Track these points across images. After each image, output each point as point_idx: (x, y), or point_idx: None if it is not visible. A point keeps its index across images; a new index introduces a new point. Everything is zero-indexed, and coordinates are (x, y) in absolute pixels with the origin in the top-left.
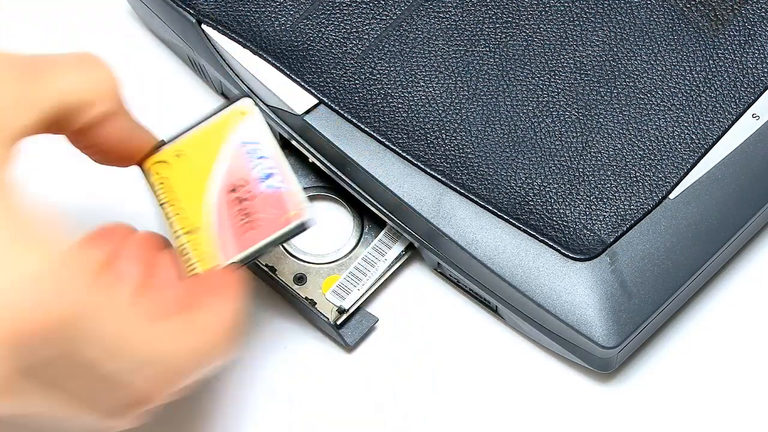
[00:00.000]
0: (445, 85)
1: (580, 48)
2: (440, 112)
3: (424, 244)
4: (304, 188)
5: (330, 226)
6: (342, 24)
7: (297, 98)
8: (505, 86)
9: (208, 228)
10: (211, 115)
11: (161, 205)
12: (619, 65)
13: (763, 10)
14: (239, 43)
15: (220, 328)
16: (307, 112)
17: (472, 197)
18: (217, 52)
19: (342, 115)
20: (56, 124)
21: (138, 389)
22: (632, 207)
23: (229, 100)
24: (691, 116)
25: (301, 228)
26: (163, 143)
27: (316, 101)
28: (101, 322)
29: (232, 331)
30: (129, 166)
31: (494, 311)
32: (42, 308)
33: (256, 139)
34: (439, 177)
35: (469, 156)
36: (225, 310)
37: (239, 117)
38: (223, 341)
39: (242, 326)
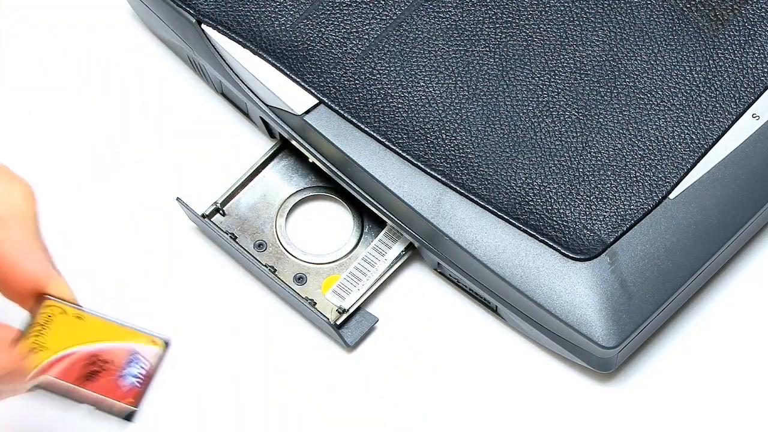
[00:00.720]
0: (445, 85)
1: (580, 48)
2: (440, 112)
3: (424, 244)
4: (304, 188)
5: (330, 226)
6: (342, 24)
7: (297, 98)
8: (505, 86)
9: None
10: (129, 326)
11: (31, 325)
12: (619, 65)
13: (763, 10)
14: (239, 43)
15: None
16: (307, 112)
17: (472, 197)
18: (217, 52)
19: (342, 115)
20: None
21: None
22: (632, 207)
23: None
24: (691, 116)
25: (126, 414)
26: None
27: (316, 101)
28: None
29: None
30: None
31: (494, 311)
32: None
33: (149, 364)
34: (439, 177)
35: (469, 156)
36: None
37: (152, 342)
38: None
39: None
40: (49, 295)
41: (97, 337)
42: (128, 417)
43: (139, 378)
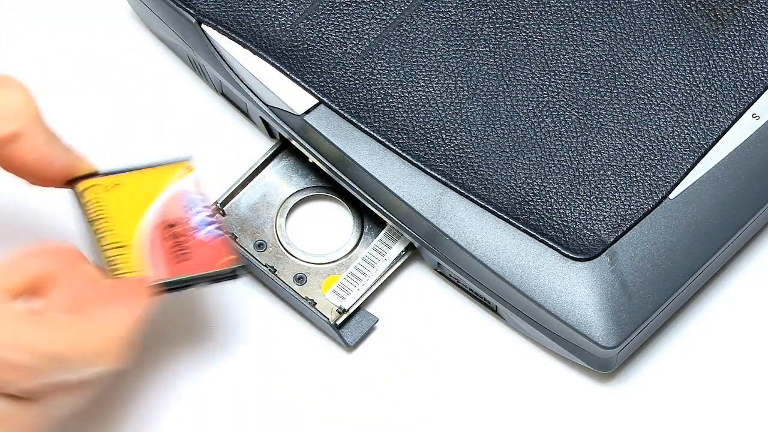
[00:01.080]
0: (445, 85)
1: (580, 48)
2: (440, 112)
3: (424, 244)
4: (304, 188)
5: (330, 226)
6: (342, 24)
7: (297, 98)
8: (505, 86)
9: (139, 249)
10: (153, 165)
11: (90, 221)
12: (619, 65)
13: (763, 10)
14: (239, 43)
15: (114, 332)
16: (307, 112)
17: (472, 197)
18: (217, 52)
19: (342, 115)
20: None
21: (13, 363)
22: (632, 207)
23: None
24: (691, 116)
25: (231, 275)
26: (96, 174)
27: (316, 101)
28: None
29: (125, 338)
30: (58, 186)
31: (494, 311)
32: None
33: (197, 192)
34: (439, 177)
35: (469, 156)
36: (125, 317)
37: (183, 171)
38: (113, 345)
39: (137, 338)
40: (79, 177)
41: (144, 192)
42: (235, 274)
43: (211, 221)
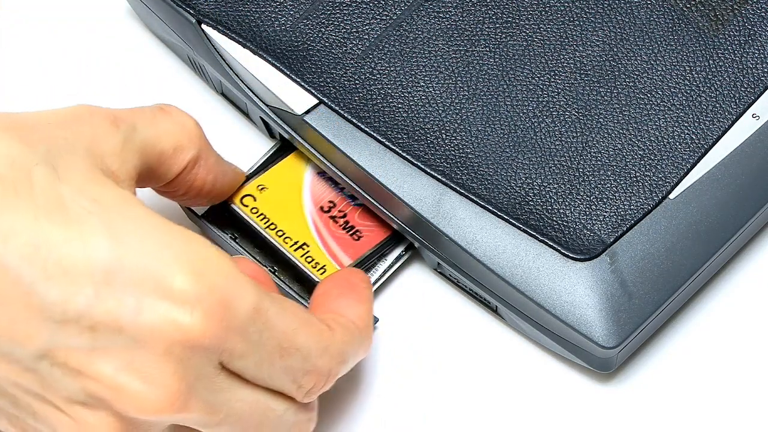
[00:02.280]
0: (445, 85)
1: (580, 48)
2: (440, 112)
3: (424, 244)
4: None
5: None
6: (342, 24)
7: (297, 98)
8: (505, 86)
9: (315, 244)
10: (277, 157)
11: (264, 231)
12: (619, 65)
13: (763, 10)
14: (239, 43)
15: (363, 321)
16: (307, 112)
17: (472, 197)
18: (217, 52)
19: (342, 115)
20: (149, 173)
21: (321, 368)
22: (632, 207)
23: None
24: (691, 116)
25: (401, 237)
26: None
27: (316, 101)
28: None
29: (370, 324)
30: (220, 202)
31: (494, 311)
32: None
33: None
34: (439, 177)
35: (469, 156)
36: (366, 306)
37: (297, 155)
38: (371, 333)
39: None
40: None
41: (288, 187)
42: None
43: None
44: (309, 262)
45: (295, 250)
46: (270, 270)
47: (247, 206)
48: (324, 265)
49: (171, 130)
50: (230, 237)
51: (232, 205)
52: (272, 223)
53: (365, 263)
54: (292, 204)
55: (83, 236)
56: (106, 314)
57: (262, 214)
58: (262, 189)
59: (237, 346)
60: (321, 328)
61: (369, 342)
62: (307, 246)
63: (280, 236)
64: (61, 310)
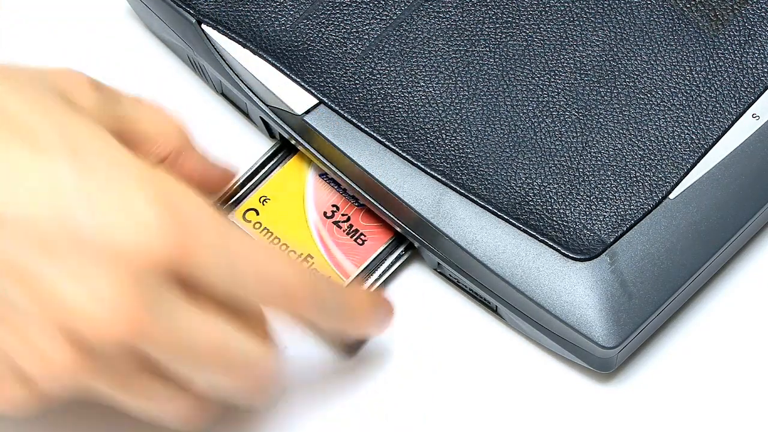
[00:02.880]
0: (445, 85)
1: (580, 48)
2: (440, 112)
3: (424, 244)
4: None
5: None
6: (342, 24)
7: (297, 98)
8: (505, 86)
9: (320, 254)
10: (275, 159)
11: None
12: (619, 65)
13: (763, 10)
14: (239, 43)
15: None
16: (307, 112)
17: (472, 197)
18: (217, 52)
19: (342, 115)
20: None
21: (288, 289)
22: (632, 207)
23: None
24: (691, 116)
25: (402, 238)
26: (240, 187)
27: (316, 101)
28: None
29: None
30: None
31: (494, 311)
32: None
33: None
34: (439, 177)
35: (469, 156)
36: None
37: (299, 159)
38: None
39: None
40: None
41: (290, 196)
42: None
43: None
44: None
45: (302, 261)
46: None
47: (250, 222)
48: (329, 277)
49: (155, 117)
50: None
51: (235, 221)
52: (276, 237)
53: (368, 267)
54: (295, 215)
55: (51, 162)
56: (61, 226)
57: (265, 228)
58: (264, 201)
59: (199, 265)
60: (289, 257)
61: (354, 299)
62: (312, 258)
63: (285, 249)
64: (19, 216)
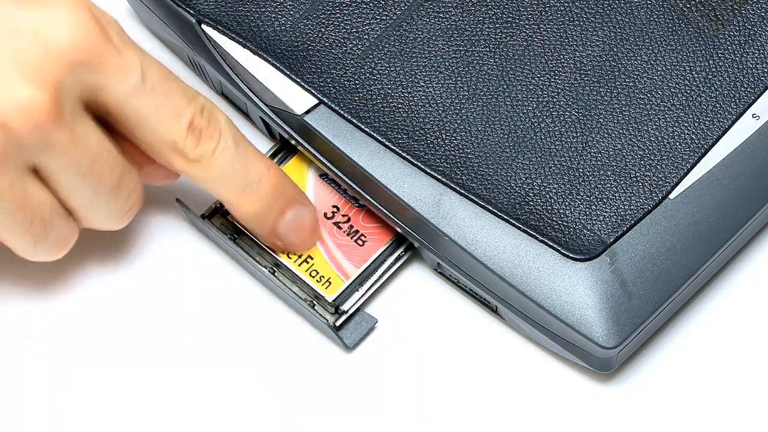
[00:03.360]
0: (445, 85)
1: (580, 48)
2: (440, 112)
3: (424, 244)
4: None
5: None
6: (342, 24)
7: (297, 98)
8: (505, 86)
9: (320, 255)
10: (278, 162)
11: (267, 248)
12: (619, 65)
13: (763, 10)
14: (239, 43)
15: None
16: (307, 112)
17: (472, 197)
18: (217, 52)
19: (342, 115)
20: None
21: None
22: (632, 207)
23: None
24: (691, 116)
25: (403, 238)
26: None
27: (316, 101)
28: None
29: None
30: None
31: (494, 311)
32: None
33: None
34: (439, 177)
35: (469, 156)
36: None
37: (298, 159)
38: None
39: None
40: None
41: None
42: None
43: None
44: (314, 276)
45: (300, 264)
46: (270, 270)
47: None
48: (329, 278)
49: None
50: (230, 237)
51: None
52: None
53: (368, 268)
54: None
55: None
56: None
57: None
58: None
59: (109, 73)
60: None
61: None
62: (312, 259)
63: (284, 252)
64: None
